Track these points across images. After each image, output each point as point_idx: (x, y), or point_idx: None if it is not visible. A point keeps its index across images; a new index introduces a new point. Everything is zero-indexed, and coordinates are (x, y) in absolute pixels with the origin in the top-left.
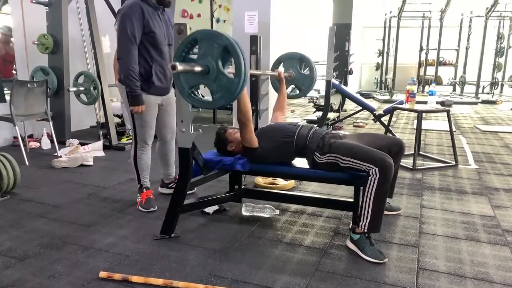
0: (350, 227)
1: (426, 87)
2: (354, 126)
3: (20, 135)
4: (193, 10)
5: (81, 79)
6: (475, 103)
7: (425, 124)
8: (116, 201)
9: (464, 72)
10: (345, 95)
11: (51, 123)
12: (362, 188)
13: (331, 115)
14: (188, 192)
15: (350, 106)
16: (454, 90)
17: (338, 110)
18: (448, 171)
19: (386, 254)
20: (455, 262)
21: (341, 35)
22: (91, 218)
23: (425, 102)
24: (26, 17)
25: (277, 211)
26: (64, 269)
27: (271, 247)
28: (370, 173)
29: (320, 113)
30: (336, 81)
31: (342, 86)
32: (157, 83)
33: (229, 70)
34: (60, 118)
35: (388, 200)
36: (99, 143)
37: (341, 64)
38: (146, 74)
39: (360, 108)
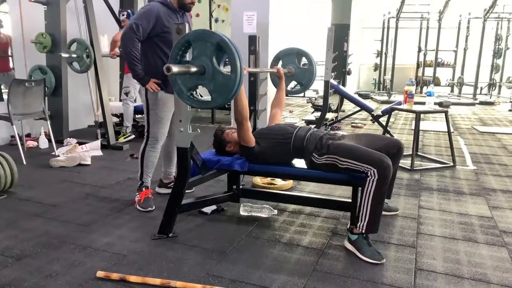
0: (348, 227)
1: (424, 88)
2: (352, 126)
3: (18, 134)
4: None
5: (73, 47)
6: (473, 104)
7: (423, 125)
8: (114, 200)
9: (462, 73)
10: (344, 96)
11: (49, 122)
12: (360, 188)
13: (330, 116)
14: (187, 192)
15: (348, 106)
16: (452, 91)
17: (336, 111)
18: (446, 172)
19: (384, 254)
20: (452, 263)
21: (339, 36)
22: (88, 218)
23: (423, 103)
24: (24, 16)
25: (275, 211)
26: (62, 268)
27: (269, 247)
28: (369, 174)
29: (318, 114)
30: (334, 82)
31: (341, 86)
32: None
33: (226, 69)
34: (58, 117)
35: (386, 200)
36: (97, 143)
37: (339, 64)
38: (162, 73)
39: (358, 108)
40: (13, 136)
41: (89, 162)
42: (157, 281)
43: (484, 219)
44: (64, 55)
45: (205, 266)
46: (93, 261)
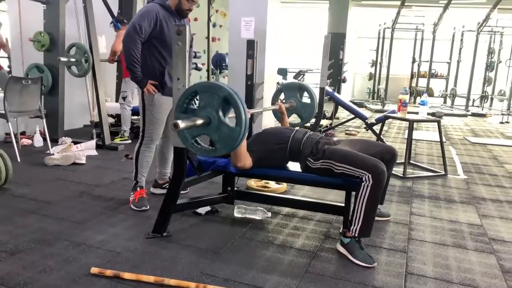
0: (340, 231)
1: (418, 98)
2: (346, 133)
3: (13, 131)
4: (190, 14)
5: (72, 51)
6: (465, 115)
7: (416, 134)
8: (108, 199)
9: (455, 84)
10: (338, 103)
11: (44, 120)
12: (354, 193)
13: (324, 122)
14: (181, 193)
15: (342, 114)
16: (445, 102)
17: (331, 118)
18: (437, 180)
19: (376, 258)
20: (442, 268)
21: (335, 44)
22: (83, 216)
23: (417, 113)
24: (23, 14)
25: (269, 214)
26: (56, 264)
27: (262, 249)
28: (364, 179)
29: (313, 120)
30: (329, 89)
31: (336, 93)
32: (169, 84)
33: (230, 115)
34: (54, 116)
35: (379, 206)
36: (92, 142)
37: (335, 72)
38: (160, 75)
39: (352, 116)
40: (7, 134)
41: (84, 161)
42: (151, 278)
43: (473, 227)
44: (63, 59)
45: (198, 265)
46: (87, 257)
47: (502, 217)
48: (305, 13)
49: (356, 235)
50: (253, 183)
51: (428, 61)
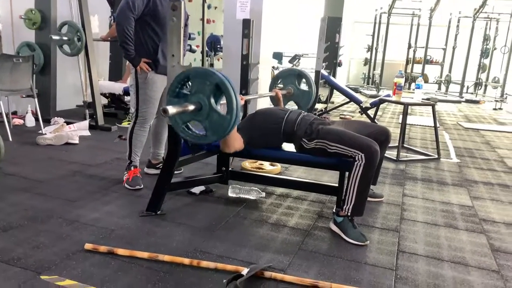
0: (334, 210)
1: (413, 84)
2: (341, 118)
3: (4, 111)
4: None
5: (64, 29)
6: (459, 101)
7: (410, 119)
8: (102, 178)
9: (450, 71)
10: (334, 87)
11: (36, 100)
12: (347, 173)
13: (319, 106)
14: (175, 172)
15: (337, 99)
16: (439, 88)
17: (326, 102)
18: (430, 164)
19: (368, 237)
20: (433, 247)
21: (332, 28)
22: (76, 194)
23: (411, 98)
24: None
25: (263, 194)
26: (49, 240)
27: (256, 227)
28: (356, 158)
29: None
30: (325, 72)
31: (331, 77)
32: (162, 62)
33: (222, 102)
34: (46, 95)
35: (371, 187)
36: (85, 123)
37: (331, 55)
38: (153, 53)
39: (347, 100)
40: None
41: (76, 141)
42: (145, 254)
43: (465, 208)
44: (55, 37)
45: (192, 242)
46: (81, 234)
47: (493, 199)
48: None
49: (349, 214)
50: (247, 164)
51: (423, 47)
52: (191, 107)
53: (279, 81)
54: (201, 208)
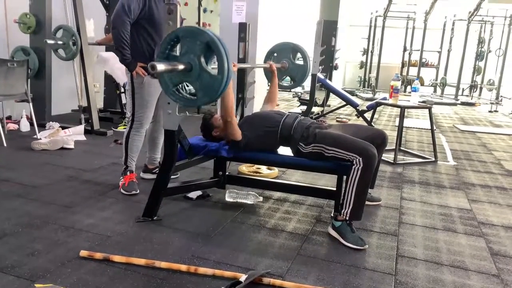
0: (332, 214)
1: (408, 87)
2: (337, 121)
3: None
4: None
5: (59, 34)
6: (455, 104)
7: (406, 122)
8: (97, 184)
9: (445, 74)
10: (330, 90)
11: (31, 104)
12: (345, 177)
13: (315, 109)
14: (172, 177)
15: (333, 102)
16: (435, 91)
17: (322, 105)
18: (427, 167)
19: (367, 241)
20: (432, 251)
21: (328, 31)
22: (71, 200)
23: (408, 101)
24: None
25: (261, 198)
26: (44, 247)
27: (254, 232)
28: (354, 162)
29: (304, 107)
30: (321, 75)
31: (327, 80)
32: None
33: (214, 67)
34: (41, 100)
35: (369, 190)
36: (81, 127)
37: (327, 59)
38: (149, 57)
39: (343, 103)
40: None
41: (72, 146)
42: (141, 261)
43: (463, 211)
44: (50, 41)
45: (190, 248)
46: (76, 241)
47: (491, 202)
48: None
49: (347, 218)
50: (244, 168)
51: (419, 50)
52: (181, 66)
53: (274, 54)
54: (198, 213)
